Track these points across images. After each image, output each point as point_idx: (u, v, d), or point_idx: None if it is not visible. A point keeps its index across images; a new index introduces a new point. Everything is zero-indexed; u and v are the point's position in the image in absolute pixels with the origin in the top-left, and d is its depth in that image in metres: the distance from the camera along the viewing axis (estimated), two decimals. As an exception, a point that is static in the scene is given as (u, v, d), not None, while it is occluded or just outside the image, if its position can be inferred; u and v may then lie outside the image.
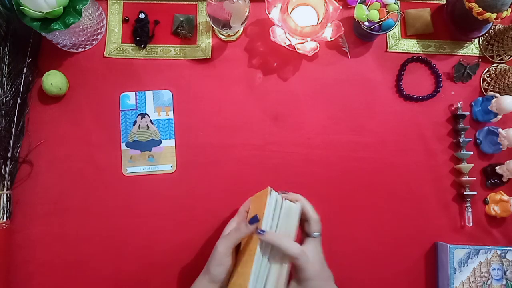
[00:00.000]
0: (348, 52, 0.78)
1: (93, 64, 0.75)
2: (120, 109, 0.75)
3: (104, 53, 0.76)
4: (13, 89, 0.71)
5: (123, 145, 0.74)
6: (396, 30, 0.79)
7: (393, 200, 0.75)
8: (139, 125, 0.75)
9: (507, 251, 0.71)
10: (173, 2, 0.78)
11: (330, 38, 0.72)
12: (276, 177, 0.74)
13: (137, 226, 0.72)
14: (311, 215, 0.60)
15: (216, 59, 0.77)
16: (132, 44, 0.76)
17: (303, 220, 0.61)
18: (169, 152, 0.74)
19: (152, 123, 0.75)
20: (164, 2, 0.78)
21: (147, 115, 0.75)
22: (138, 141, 0.74)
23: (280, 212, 0.58)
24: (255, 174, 0.75)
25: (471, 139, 0.76)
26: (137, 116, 0.75)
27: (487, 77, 0.79)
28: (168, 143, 0.74)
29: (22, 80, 0.72)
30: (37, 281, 0.70)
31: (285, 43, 0.72)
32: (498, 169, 0.75)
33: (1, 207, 0.68)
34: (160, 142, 0.74)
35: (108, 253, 0.71)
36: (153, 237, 0.72)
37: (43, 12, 0.63)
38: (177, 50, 0.77)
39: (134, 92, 0.75)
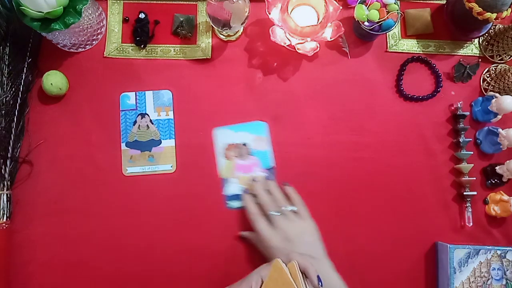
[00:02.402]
0: (348, 52, 0.78)
1: (93, 64, 0.75)
2: (120, 109, 0.75)
3: (104, 53, 0.76)
4: (13, 89, 0.71)
5: (123, 145, 0.74)
6: (396, 30, 0.79)
7: (393, 200, 0.75)
8: (139, 125, 0.74)
9: (507, 251, 0.71)
10: (173, 2, 0.78)
11: (330, 38, 0.72)
12: (276, 177, 0.74)
13: (137, 226, 0.72)
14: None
15: (216, 59, 0.77)
16: (132, 44, 0.76)
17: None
18: (169, 152, 0.74)
19: (152, 123, 0.75)
20: (164, 2, 0.78)
21: (147, 115, 0.75)
22: (138, 141, 0.74)
23: None
24: (255, 174, 0.74)
25: (471, 139, 0.76)
26: (137, 116, 0.75)
27: (487, 77, 0.79)
28: (168, 143, 0.74)
29: (22, 80, 0.72)
30: (37, 281, 0.70)
31: (285, 43, 0.71)
32: (498, 169, 0.75)
33: (1, 207, 0.68)
34: (160, 142, 0.74)
35: (108, 253, 0.71)
36: (153, 237, 0.72)
37: (43, 12, 0.63)
38: (177, 50, 0.77)
39: (134, 92, 0.75)
